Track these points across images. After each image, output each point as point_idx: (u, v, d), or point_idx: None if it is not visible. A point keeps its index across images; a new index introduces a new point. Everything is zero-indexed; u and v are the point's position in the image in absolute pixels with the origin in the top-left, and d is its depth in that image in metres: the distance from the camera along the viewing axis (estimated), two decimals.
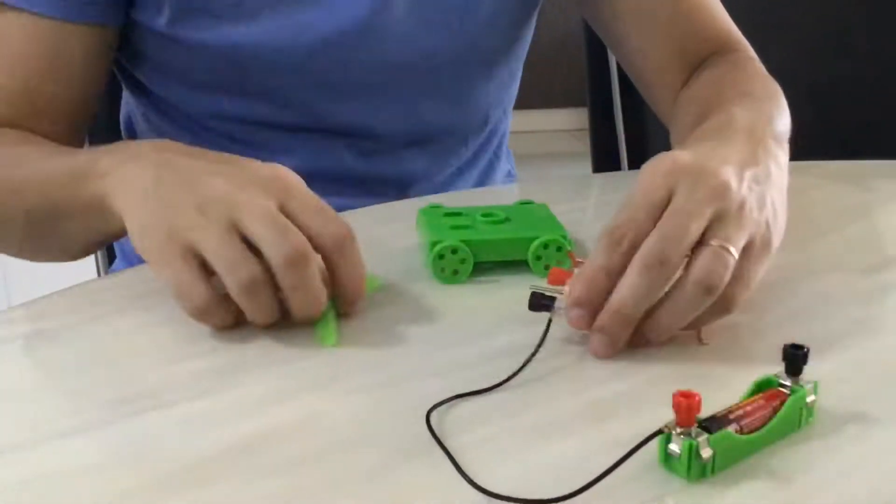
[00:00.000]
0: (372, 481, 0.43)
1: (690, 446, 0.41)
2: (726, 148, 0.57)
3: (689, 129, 0.68)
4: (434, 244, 0.62)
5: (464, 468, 0.43)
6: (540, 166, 3.43)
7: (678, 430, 0.42)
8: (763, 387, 0.46)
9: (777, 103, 0.70)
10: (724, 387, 0.50)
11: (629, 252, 0.51)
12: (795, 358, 0.46)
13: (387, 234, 0.71)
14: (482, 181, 0.96)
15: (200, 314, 0.54)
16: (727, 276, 0.51)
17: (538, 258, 0.63)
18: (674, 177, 0.53)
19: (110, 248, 1.06)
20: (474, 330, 0.56)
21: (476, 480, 0.42)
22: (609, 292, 0.51)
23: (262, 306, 0.54)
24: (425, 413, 0.47)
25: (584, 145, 1.35)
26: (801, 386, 0.45)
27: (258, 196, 0.54)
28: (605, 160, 1.27)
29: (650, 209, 0.52)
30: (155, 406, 0.49)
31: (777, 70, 0.79)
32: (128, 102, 0.93)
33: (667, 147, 0.88)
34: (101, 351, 0.55)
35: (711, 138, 0.60)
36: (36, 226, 0.69)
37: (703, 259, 0.51)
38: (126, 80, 0.88)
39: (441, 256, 0.62)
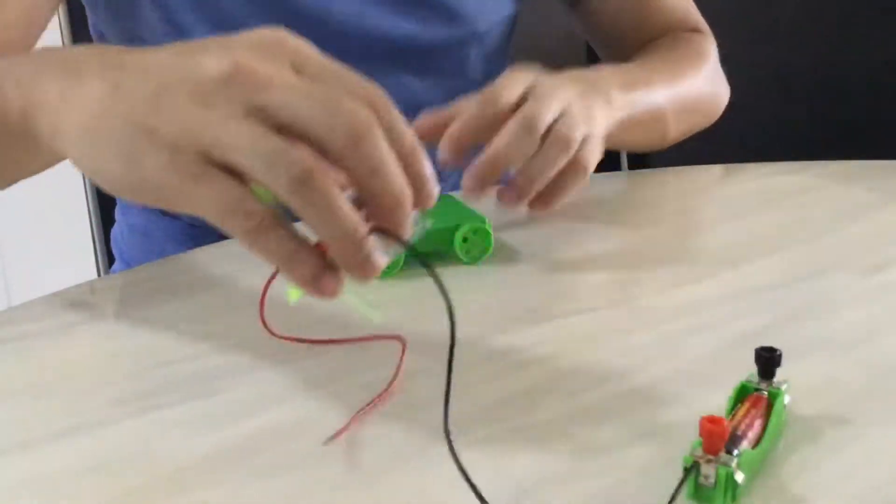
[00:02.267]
0: (372, 481, 0.43)
1: (727, 474, 0.40)
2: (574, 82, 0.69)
3: None
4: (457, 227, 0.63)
5: (464, 467, 0.43)
6: None
7: (707, 457, 0.40)
8: (741, 394, 0.46)
9: (666, 80, 0.79)
10: (724, 387, 0.50)
11: (501, 114, 0.62)
12: (768, 361, 0.46)
13: None
14: None
15: (265, 230, 0.40)
16: (578, 137, 0.63)
17: (464, 240, 0.65)
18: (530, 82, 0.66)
19: (110, 251, 1.06)
20: (476, 329, 0.56)
21: (476, 480, 0.42)
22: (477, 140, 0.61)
23: (334, 205, 0.39)
24: (427, 415, 0.47)
25: None
26: (778, 388, 0.45)
27: (271, 64, 0.41)
28: (604, 160, 1.27)
29: (511, 94, 0.64)
30: (154, 406, 0.49)
31: (777, 70, 0.80)
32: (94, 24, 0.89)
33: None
34: (101, 351, 0.55)
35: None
36: None
37: (561, 125, 0.62)
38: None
39: (465, 239, 0.64)
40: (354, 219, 0.40)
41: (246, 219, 0.39)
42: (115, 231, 0.99)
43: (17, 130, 0.48)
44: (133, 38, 0.80)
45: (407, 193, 0.41)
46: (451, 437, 0.45)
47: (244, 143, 0.39)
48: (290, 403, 0.49)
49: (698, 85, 0.83)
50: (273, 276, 0.47)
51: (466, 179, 0.60)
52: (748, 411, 0.44)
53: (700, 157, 0.84)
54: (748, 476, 0.41)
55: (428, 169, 0.43)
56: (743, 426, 0.43)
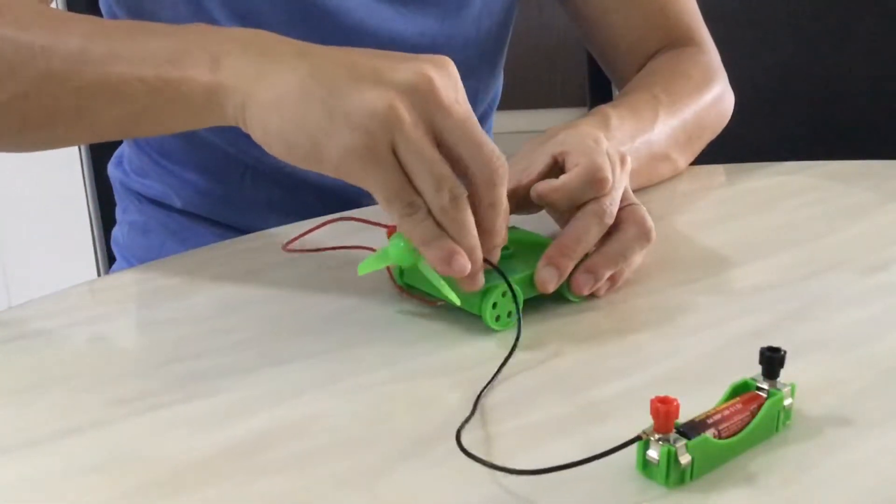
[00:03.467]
0: (372, 481, 0.43)
1: (669, 452, 0.41)
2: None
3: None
4: (486, 291, 0.55)
5: (465, 467, 0.43)
6: None
7: (656, 436, 0.42)
8: (740, 390, 0.46)
9: (669, 111, 0.78)
10: (724, 387, 0.50)
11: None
12: (772, 361, 0.46)
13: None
14: None
15: (420, 218, 0.51)
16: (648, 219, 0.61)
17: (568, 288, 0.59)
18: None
19: (110, 251, 1.06)
20: (476, 329, 0.56)
21: (476, 480, 0.42)
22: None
23: (466, 223, 0.52)
24: (427, 415, 0.47)
25: None
26: (779, 389, 0.45)
27: (446, 87, 0.51)
28: None
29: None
30: (155, 406, 0.49)
31: (777, 70, 0.80)
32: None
33: None
34: (101, 351, 0.55)
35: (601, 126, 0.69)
36: (87, 109, 0.59)
37: (635, 209, 0.61)
38: None
39: (494, 305, 0.56)
40: (477, 241, 0.52)
41: (408, 206, 0.51)
42: (116, 232, 0.99)
43: (199, 101, 0.55)
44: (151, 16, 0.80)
45: (497, 239, 0.54)
46: (450, 437, 0.45)
47: (426, 156, 0.50)
48: (290, 403, 0.49)
49: (703, 113, 0.81)
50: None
51: (551, 275, 0.57)
52: (733, 405, 0.44)
53: (700, 157, 0.84)
54: (704, 464, 0.42)
55: (499, 238, 0.55)
56: (717, 417, 0.43)
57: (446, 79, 0.52)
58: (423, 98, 0.50)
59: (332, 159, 0.50)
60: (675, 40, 0.88)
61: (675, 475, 0.41)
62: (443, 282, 0.54)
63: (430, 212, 0.51)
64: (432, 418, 0.47)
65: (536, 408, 0.48)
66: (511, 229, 0.61)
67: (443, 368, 0.52)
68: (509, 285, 0.55)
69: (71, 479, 0.43)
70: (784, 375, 0.46)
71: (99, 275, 1.09)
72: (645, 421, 0.45)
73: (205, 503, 0.42)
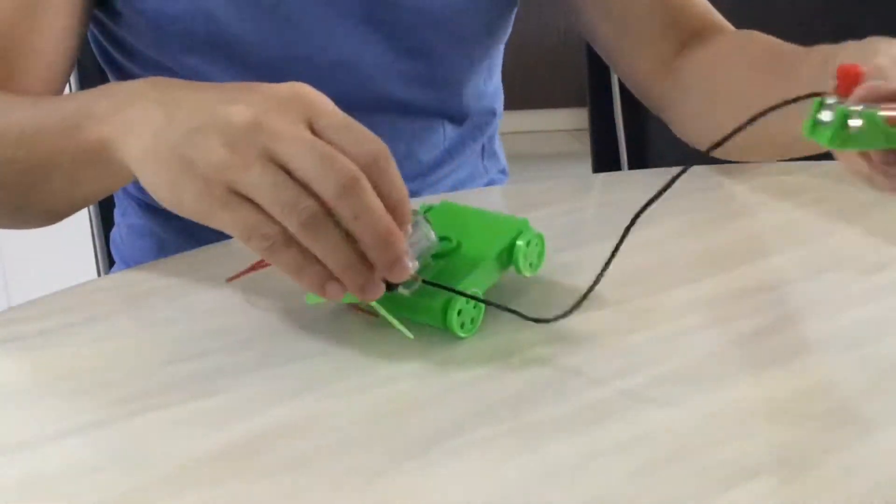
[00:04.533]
0: (372, 481, 0.43)
1: (842, 113, 0.42)
2: None
3: (773, 71, 0.70)
4: (447, 303, 0.53)
5: (465, 467, 0.43)
6: (540, 166, 3.42)
7: (833, 99, 0.43)
8: None
9: None
10: (724, 387, 0.50)
11: None
12: None
13: None
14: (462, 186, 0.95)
15: (279, 249, 0.50)
16: None
17: (524, 256, 0.58)
18: None
19: (110, 252, 1.06)
20: (476, 328, 0.56)
21: (478, 479, 0.42)
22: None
23: (330, 242, 0.49)
24: (427, 415, 0.47)
25: (584, 145, 1.35)
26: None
27: (285, 120, 0.51)
28: (605, 160, 1.27)
29: None
30: (155, 406, 0.49)
31: None
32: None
33: (666, 146, 0.89)
34: (101, 351, 0.55)
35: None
36: (17, 180, 0.65)
37: None
38: (106, 61, 0.87)
39: (459, 312, 0.54)
40: (351, 254, 0.49)
41: (262, 240, 0.50)
42: (115, 234, 0.99)
43: (95, 157, 0.58)
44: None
45: (394, 232, 0.49)
46: (451, 437, 0.45)
47: (264, 186, 0.49)
48: (290, 403, 0.49)
49: None
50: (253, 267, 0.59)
51: None
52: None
53: (700, 157, 0.84)
54: (866, 137, 0.43)
55: (402, 220, 0.50)
56: (892, 107, 0.44)
57: (287, 112, 0.51)
58: (259, 133, 0.50)
59: (189, 210, 0.52)
60: (701, 24, 0.85)
61: (839, 138, 0.42)
62: (395, 320, 0.53)
63: (292, 238, 0.50)
64: (432, 418, 0.47)
65: (536, 408, 0.48)
66: (430, 209, 0.60)
67: (443, 368, 0.52)
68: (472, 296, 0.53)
69: (71, 479, 0.43)
70: (784, 375, 0.46)
71: (99, 275, 1.09)
72: (645, 421, 0.45)
73: (205, 503, 0.42)
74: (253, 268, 0.60)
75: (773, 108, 0.43)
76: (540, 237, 0.59)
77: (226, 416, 0.48)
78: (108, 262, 1.08)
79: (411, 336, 0.53)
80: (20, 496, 0.42)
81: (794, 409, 0.48)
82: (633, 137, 1.24)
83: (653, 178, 0.86)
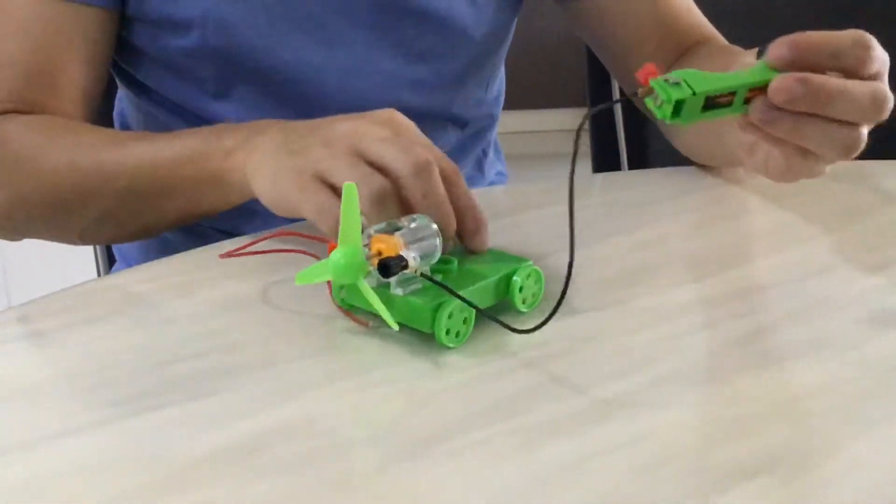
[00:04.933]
0: (372, 481, 0.43)
1: (664, 87, 0.51)
2: None
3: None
4: (437, 307, 0.53)
5: (465, 467, 0.43)
6: (540, 166, 3.42)
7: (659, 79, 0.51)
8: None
9: None
10: (724, 387, 0.50)
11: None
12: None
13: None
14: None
15: (335, 229, 0.55)
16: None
17: (521, 289, 0.57)
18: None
19: (110, 251, 1.06)
20: (476, 328, 0.56)
21: (478, 479, 0.42)
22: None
23: (396, 212, 0.57)
24: (427, 415, 0.47)
25: (584, 145, 1.35)
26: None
27: (379, 130, 0.60)
28: (605, 160, 1.27)
29: None
30: (155, 406, 0.49)
31: None
32: (120, 99, 0.93)
33: (666, 146, 0.89)
34: (101, 351, 0.55)
35: None
36: (125, 208, 0.72)
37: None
38: (121, 76, 0.88)
39: (450, 315, 0.53)
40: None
41: (329, 214, 0.57)
42: None
43: (218, 182, 0.67)
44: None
45: (450, 222, 0.58)
46: (452, 437, 0.45)
47: (343, 170, 0.58)
48: (290, 403, 0.49)
49: None
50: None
51: (785, 48, 0.55)
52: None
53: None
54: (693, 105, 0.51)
55: (480, 223, 0.60)
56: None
57: (381, 125, 0.61)
58: (352, 137, 0.60)
59: (283, 200, 0.61)
60: (695, 38, 0.88)
61: (667, 107, 0.51)
62: (381, 303, 0.52)
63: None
64: (431, 418, 0.47)
65: (536, 408, 0.48)
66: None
67: (442, 369, 0.52)
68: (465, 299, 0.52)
69: (71, 479, 0.43)
70: (784, 375, 0.46)
71: (99, 275, 1.09)
72: (645, 421, 0.45)
73: (205, 503, 0.42)
74: (246, 246, 0.65)
75: (609, 104, 0.49)
76: (539, 275, 0.58)
77: (226, 416, 0.48)
78: (108, 261, 1.08)
79: (396, 326, 0.52)
80: (20, 496, 0.42)
81: (794, 409, 0.48)
82: (633, 137, 1.24)
83: (653, 178, 0.87)
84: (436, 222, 0.55)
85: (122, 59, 0.84)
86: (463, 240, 0.59)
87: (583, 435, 0.46)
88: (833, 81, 0.54)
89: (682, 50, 0.88)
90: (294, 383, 0.51)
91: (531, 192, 0.81)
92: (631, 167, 1.24)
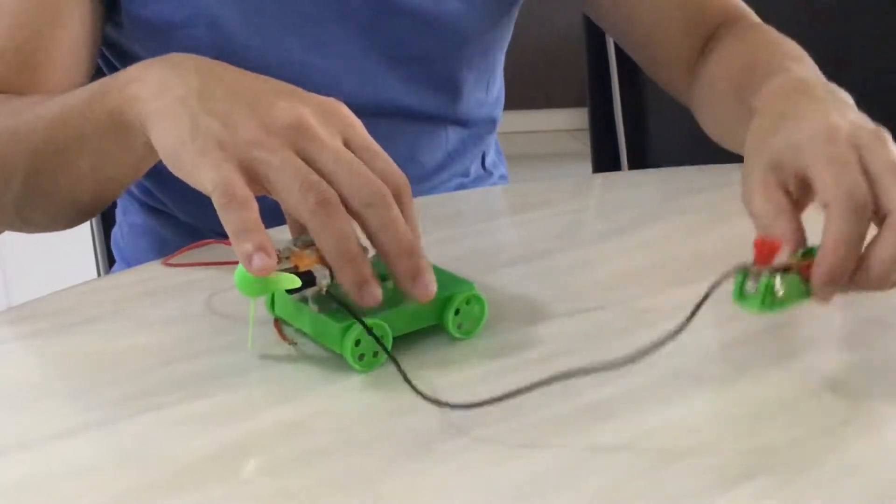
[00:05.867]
0: (372, 481, 0.43)
1: (768, 283, 0.48)
2: (839, 106, 0.58)
3: (736, 91, 0.70)
4: (347, 328, 0.50)
5: (465, 467, 0.43)
6: (540, 166, 3.42)
7: (756, 268, 0.49)
8: (810, 253, 0.50)
9: (811, 62, 0.72)
10: (724, 387, 0.50)
11: (870, 215, 0.51)
12: None
13: None
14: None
15: (243, 232, 0.49)
16: None
17: (456, 313, 0.54)
18: (852, 140, 0.53)
19: (110, 251, 1.06)
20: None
21: (479, 479, 0.42)
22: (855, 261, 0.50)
23: (343, 228, 0.49)
24: (427, 415, 0.47)
25: (584, 145, 1.36)
26: None
27: (326, 129, 0.52)
28: (605, 160, 1.27)
29: (860, 169, 0.51)
30: (155, 406, 0.49)
31: None
32: None
33: (666, 146, 0.89)
34: (101, 351, 0.55)
35: (803, 97, 0.60)
36: (43, 171, 0.66)
37: None
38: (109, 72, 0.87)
39: (357, 342, 0.51)
40: (358, 247, 0.49)
41: (240, 209, 0.49)
42: (116, 232, 0.99)
43: (117, 122, 0.58)
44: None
45: (415, 245, 0.50)
46: (451, 437, 0.45)
47: (288, 168, 0.50)
48: (290, 403, 0.49)
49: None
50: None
51: (829, 289, 0.50)
52: (809, 263, 0.49)
53: (701, 157, 0.84)
54: (789, 298, 0.49)
55: (423, 258, 0.51)
56: (799, 266, 0.50)
57: (327, 121, 0.53)
58: (298, 131, 0.52)
59: (185, 165, 0.52)
60: (722, 16, 0.85)
61: (769, 301, 0.49)
62: (252, 320, 0.52)
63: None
64: (433, 418, 0.47)
65: (536, 408, 0.48)
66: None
67: (442, 368, 0.52)
68: (365, 325, 0.50)
69: (71, 479, 0.43)
70: (784, 375, 0.46)
71: (99, 275, 1.09)
72: (645, 421, 0.45)
73: (205, 503, 0.42)
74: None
75: (709, 293, 0.49)
76: (481, 302, 0.55)
77: (226, 416, 0.48)
78: (109, 261, 1.08)
79: (251, 346, 0.53)
80: (20, 496, 0.42)
81: (793, 409, 0.48)
82: (633, 137, 1.24)
83: (653, 178, 0.87)
84: (398, 251, 0.50)
85: (115, 60, 0.84)
86: (399, 283, 0.51)
87: (583, 435, 0.46)
88: (863, 280, 0.50)
89: (709, 32, 0.84)
90: (294, 383, 0.51)
91: (531, 192, 0.81)
92: (631, 167, 1.24)
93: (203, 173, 0.50)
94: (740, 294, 0.50)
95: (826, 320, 0.57)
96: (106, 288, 0.65)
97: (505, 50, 0.95)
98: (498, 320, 0.57)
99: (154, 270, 0.66)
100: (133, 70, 0.58)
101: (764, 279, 0.48)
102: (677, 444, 0.45)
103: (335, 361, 0.53)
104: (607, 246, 0.70)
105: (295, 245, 0.52)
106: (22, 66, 0.73)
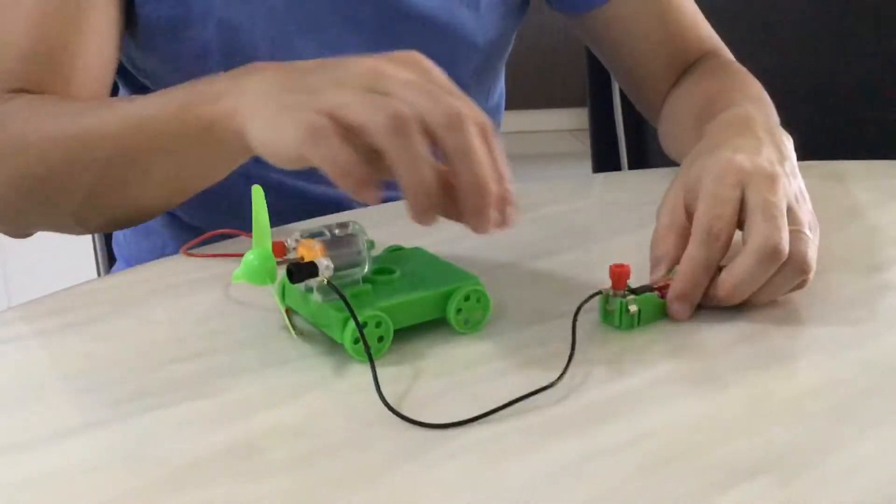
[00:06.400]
0: (372, 481, 0.43)
1: (621, 305, 0.55)
2: (764, 147, 0.63)
3: (695, 120, 0.75)
4: (347, 319, 0.51)
5: (465, 467, 0.43)
6: (540, 166, 3.42)
7: (612, 292, 0.55)
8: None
9: (769, 104, 0.78)
10: (724, 387, 0.50)
11: (725, 246, 0.57)
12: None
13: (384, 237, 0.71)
14: None
15: (361, 187, 0.49)
16: (812, 255, 0.58)
17: (458, 311, 0.55)
18: (742, 178, 0.59)
19: (110, 250, 1.06)
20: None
21: (478, 479, 0.42)
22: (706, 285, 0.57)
23: (416, 148, 0.49)
24: (426, 415, 0.47)
25: (584, 145, 1.36)
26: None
27: (401, 70, 0.52)
28: (605, 160, 1.27)
29: (735, 205, 0.58)
30: (155, 406, 0.49)
31: (777, 70, 0.80)
32: None
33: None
34: (101, 351, 0.55)
35: (740, 133, 0.65)
36: (112, 176, 0.66)
37: (798, 247, 0.57)
38: (125, 80, 0.88)
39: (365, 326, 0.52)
40: (432, 171, 0.49)
41: (347, 169, 0.49)
42: (117, 232, 0.99)
43: (207, 134, 0.59)
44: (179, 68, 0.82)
45: (490, 184, 0.50)
46: (452, 437, 0.45)
47: (362, 104, 0.50)
48: (290, 403, 0.49)
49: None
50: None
51: (679, 307, 0.57)
52: (667, 284, 0.57)
53: None
54: (647, 315, 0.56)
55: (511, 185, 0.52)
56: (661, 284, 0.57)
57: (403, 65, 0.53)
58: (371, 77, 0.52)
59: (284, 144, 0.52)
60: (700, 52, 0.90)
61: (626, 320, 0.55)
62: (283, 310, 0.54)
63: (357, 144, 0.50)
64: (433, 418, 0.47)
65: (537, 408, 0.48)
66: (399, 249, 0.60)
67: (442, 368, 0.52)
68: (354, 317, 0.50)
69: (71, 479, 0.43)
70: (784, 375, 0.46)
71: (99, 275, 1.09)
72: (645, 421, 0.45)
73: (205, 503, 0.42)
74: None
75: (575, 318, 0.55)
76: (485, 297, 0.55)
77: (226, 416, 0.48)
78: (109, 261, 1.08)
79: (293, 334, 0.54)
80: (20, 496, 0.42)
81: (794, 409, 0.48)
82: (633, 137, 1.24)
83: (653, 178, 0.87)
84: (472, 181, 0.50)
85: (128, 63, 0.84)
86: (468, 220, 0.52)
87: (583, 435, 0.46)
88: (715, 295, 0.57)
89: (688, 63, 0.90)
90: (294, 383, 0.51)
91: (531, 192, 0.81)
92: (631, 167, 1.24)
93: (306, 149, 0.50)
94: (605, 315, 0.56)
95: (826, 320, 0.57)
96: (106, 288, 0.65)
97: (505, 58, 0.96)
98: (498, 320, 0.57)
99: (154, 270, 0.66)
100: (219, 84, 0.59)
101: (618, 302, 0.55)
102: (676, 443, 0.45)
103: (335, 362, 0.53)
104: (607, 246, 0.70)
105: (301, 236, 0.53)
106: (52, 69, 0.73)
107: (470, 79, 0.90)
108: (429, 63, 0.54)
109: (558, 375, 0.50)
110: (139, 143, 0.64)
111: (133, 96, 0.69)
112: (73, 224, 0.73)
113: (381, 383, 0.49)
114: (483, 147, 0.50)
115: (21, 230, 0.76)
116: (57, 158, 0.67)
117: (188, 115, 0.60)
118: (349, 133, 0.50)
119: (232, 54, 0.80)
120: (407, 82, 0.51)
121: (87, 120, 0.67)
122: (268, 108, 0.54)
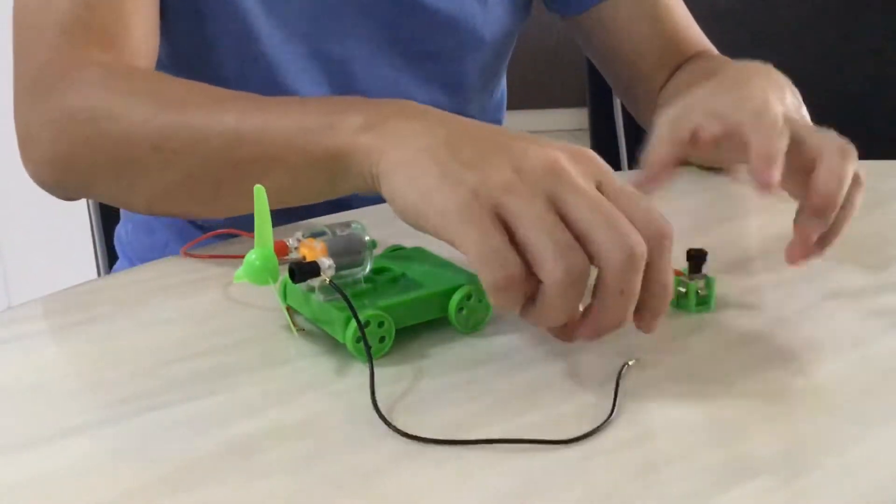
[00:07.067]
0: (372, 481, 0.43)
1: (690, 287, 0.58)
2: (785, 94, 0.67)
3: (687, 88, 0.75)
4: (349, 318, 0.51)
5: (465, 468, 0.43)
6: None
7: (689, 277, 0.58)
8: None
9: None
10: (724, 387, 0.50)
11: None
12: (698, 259, 0.58)
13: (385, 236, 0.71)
14: None
15: (502, 288, 0.47)
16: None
17: (460, 310, 0.55)
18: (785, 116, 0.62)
19: (111, 248, 1.06)
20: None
21: (478, 479, 0.42)
22: None
23: (574, 303, 0.48)
24: (427, 415, 0.47)
25: (584, 145, 1.35)
26: (695, 280, 0.58)
27: (579, 172, 0.49)
28: (605, 160, 1.27)
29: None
30: (155, 406, 0.49)
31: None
32: None
33: None
34: (102, 351, 0.55)
35: (761, 77, 0.69)
36: (210, 176, 0.63)
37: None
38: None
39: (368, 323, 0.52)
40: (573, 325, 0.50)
41: (499, 268, 0.47)
42: (120, 229, 0.99)
43: (333, 163, 0.57)
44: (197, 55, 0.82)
45: (618, 325, 0.49)
46: (451, 436, 0.45)
47: (542, 226, 0.47)
48: (290, 403, 0.49)
49: None
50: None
51: (766, 171, 0.58)
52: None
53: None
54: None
55: (662, 308, 0.50)
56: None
57: (581, 166, 0.50)
58: (553, 176, 0.49)
59: (434, 216, 0.49)
60: (689, 54, 0.92)
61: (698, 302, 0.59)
62: (285, 309, 0.55)
63: (524, 278, 0.47)
64: (433, 418, 0.47)
65: (536, 408, 0.48)
66: (400, 249, 0.60)
67: (442, 368, 0.52)
68: (356, 317, 0.51)
69: (71, 479, 0.43)
70: (784, 375, 0.46)
71: (99, 275, 1.09)
72: (645, 421, 0.45)
73: (204, 503, 0.42)
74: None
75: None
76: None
77: (226, 416, 0.48)
78: (109, 260, 1.08)
79: (295, 332, 0.55)
80: (20, 496, 0.42)
81: (794, 409, 0.48)
82: (633, 137, 1.24)
83: None
84: (616, 320, 0.49)
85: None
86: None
87: (581, 440, 0.46)
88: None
89: (679, 64, 0.91)
90: (293, 383, 0.51)
91: None
92: (631, 167, 1.24)
93: (461, 237, 0.48)
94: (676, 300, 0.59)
95: (826, 320, 0.57)
96: (106, 288, 0.65)
97: (509, 55, 0.97)
98: (498, 319, 0.57)
99: (154, 270, 0.66)
100: (361, 116, 0.56)
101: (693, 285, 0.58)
102: (676, 443, 0.45)
103: (335, 362, 0.53)
104: None
105: (303, 236, 0.53)
106: (105, 35, 0.71)
107: (475, 75, 0.91)
108: (604, 164, 0.52)
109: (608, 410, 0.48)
110: (253, 152, 0.61)
111: (243, 94, 0.65)
112: (139, 207, 0.70)
113: (381, 383, 0.49)
114: (640, 282, 0.48)
115: (73, 196, 0.72)
116: (148, 147, 0.63)
117: (319, 139, 0.58)
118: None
119: (244, 43, 0.80)
120: (587, 199, 0.48)
121: (194, 113, 0.63)
122: (427, 174, 0.50)
